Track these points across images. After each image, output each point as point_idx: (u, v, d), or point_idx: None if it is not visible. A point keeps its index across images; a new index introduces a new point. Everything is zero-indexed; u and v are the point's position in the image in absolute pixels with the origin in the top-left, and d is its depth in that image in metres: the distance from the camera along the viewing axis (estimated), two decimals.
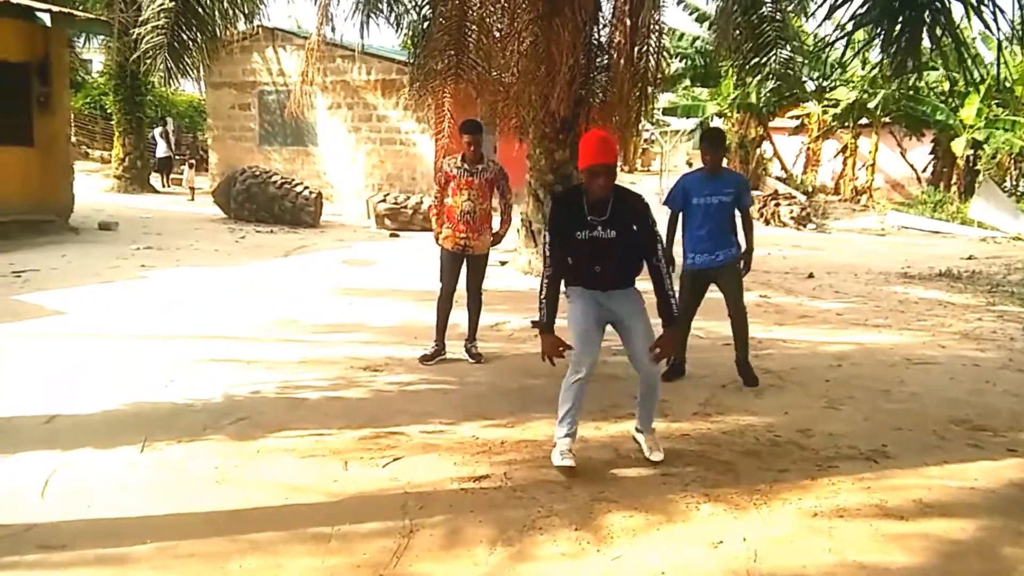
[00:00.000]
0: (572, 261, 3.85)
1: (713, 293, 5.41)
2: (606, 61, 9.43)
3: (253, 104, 19.89)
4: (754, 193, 15.56)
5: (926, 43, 4.77)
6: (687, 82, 24.18)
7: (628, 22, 8.47)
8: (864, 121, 24.51)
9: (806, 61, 18.55)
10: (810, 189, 24.84)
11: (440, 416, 4.51)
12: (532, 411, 4.56)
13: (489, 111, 9.92)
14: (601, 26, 9.47)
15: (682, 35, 22.27)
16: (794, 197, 20.99)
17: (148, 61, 8.15)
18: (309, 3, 39.61)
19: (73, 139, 18.97)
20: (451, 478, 3.66)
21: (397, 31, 11.83)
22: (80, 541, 2.99)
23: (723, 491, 3.58)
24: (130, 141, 19.12)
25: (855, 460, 4.03)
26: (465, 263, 5.75)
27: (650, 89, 9.50)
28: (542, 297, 3.81)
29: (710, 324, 6.33)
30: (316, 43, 11.48)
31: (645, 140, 33.15)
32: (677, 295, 3.94)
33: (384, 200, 14.98)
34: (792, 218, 18.95)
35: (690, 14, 21.36)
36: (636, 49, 8.70)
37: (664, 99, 24.76)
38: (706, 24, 19.72)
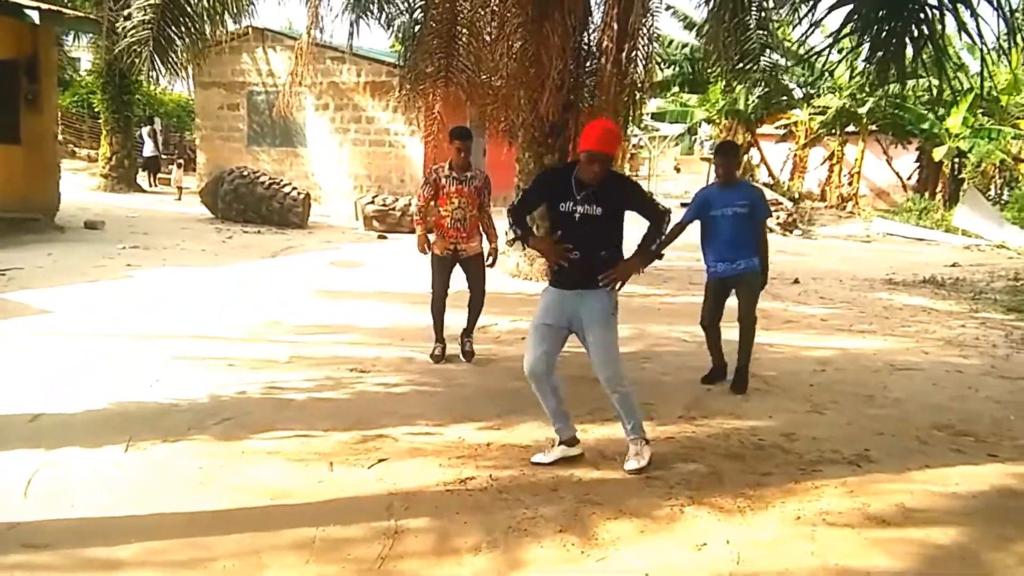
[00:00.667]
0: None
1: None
2: (595, 66, 9.47)
3: (242, 104, 19.85)
4: None
5: (910, 52, 4.83)
6: (676, 88, 24.36)
7: (616, 27, 8.49)
8: (851, 128, 24.75)
9: (792, 66, 18.66)
10: (796, 195, 24.97)
11: (426, 418, 4.51)
12: (518, 414, 4.57)
13: (479, 114, 9.94)
14: (591, 31, 9.52)
15: (671, 41, 22.45)
16: (781, 203, 21.10)
17: (133, 58, 8.07)
18: (299, 4, 39.61)
19: (60, 137, 18.81)
20: (437, 480, 3.66)
21: (388, 31, 11.83)
22: (64, 541, 2.98)
23: (707, 494, 3.60)
24: (117, 140, 18.98)
25: (838, 464, 4.06)
26: (463, 269, 5.79)
27: (638, 95, 9.55)
28: (510, 222, 3.89)
29: (696, 328, 6.36)
30: (306, 44, 11.45)
31: (633, 145, 33.25)
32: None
33: (372, 202, 14.96)
34: (778, 224, 19.06)
35: (680, 20, 21.59)
36: (625, 55, 8.74)
37: (653, 104, 24.91)
38: (695, 31, 19.86)
